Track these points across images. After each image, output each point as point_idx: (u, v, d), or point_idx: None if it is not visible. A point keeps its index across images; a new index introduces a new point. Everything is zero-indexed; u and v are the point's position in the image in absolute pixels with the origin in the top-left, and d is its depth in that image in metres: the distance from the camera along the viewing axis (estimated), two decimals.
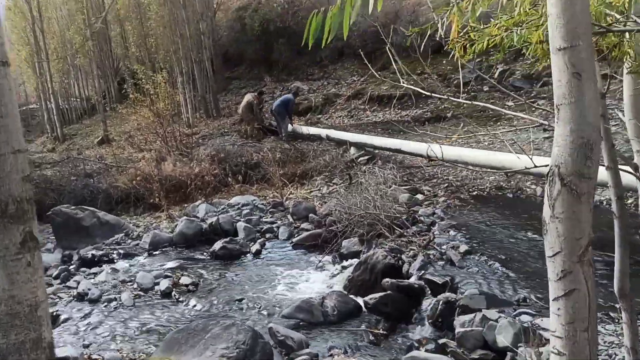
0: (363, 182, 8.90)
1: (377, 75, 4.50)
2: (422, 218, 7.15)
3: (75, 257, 8.82)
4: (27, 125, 30.19)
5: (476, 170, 8.48)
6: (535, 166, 2.53)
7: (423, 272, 5.56)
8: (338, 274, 6.77)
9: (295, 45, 23.23)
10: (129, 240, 9.07)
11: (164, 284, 6.76)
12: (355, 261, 6.70)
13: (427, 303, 5.20)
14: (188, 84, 21.14)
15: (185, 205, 11.42)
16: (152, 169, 11.02)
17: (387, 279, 5.56)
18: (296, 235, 8.31)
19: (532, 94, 12.75)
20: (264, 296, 6.44)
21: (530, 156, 2.79)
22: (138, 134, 18.32)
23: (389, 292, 5.43)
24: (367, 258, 6.22)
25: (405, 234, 6.80)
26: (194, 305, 6.32)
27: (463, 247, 5.87)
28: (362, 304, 5.72)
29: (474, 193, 8.09)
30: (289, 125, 14.52)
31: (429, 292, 5.31)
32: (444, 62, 16.89)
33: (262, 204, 9.50)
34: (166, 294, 6.62)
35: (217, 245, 7.81)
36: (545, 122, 2.67)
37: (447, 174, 9.08)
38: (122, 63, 31.88)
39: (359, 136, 10.89)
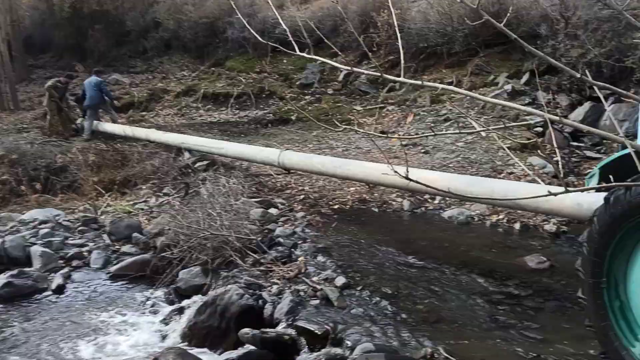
0: (203, 193, 7.33)
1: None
2: (280, 239, 5.80)
3: None
4: None
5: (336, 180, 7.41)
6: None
7: (294, 316, 4.21)
8: (174, 317, 5.12)
9: (114, 33, 20.56)
10: None
11: None
12: (198, 299, 5.13)
13: None
14: None
15: None
16: None
17: (246, 330, 4.10)
18: (115, 262, 6.43)
19: (379, 99, 12.19)
20: (67, 358, 4.56)
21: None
22: None
23: (250, 348, 3.99)
24: (215, 298, 4.69)
25: (262, 260, 5.39)
26: None
27: (340, 280, 4.64)
28: None
29: (335, 207, 6.98)
30: (116, 118, 12.41)
31: (305, 345, 3.97)
32: (285, 61, 15.87)
33: (69, 220, 7.37)
34: None
35: None
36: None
37: (302, 183, 7.88)
38: None
39: (195, 139, 9.21)
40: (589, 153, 7.56)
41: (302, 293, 4.53)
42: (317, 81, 14.04)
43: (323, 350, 3.81)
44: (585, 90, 8.87)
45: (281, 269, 5.14)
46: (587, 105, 8.41)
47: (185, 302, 5.17)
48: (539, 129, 8.28)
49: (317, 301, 4.39)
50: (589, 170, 7.03)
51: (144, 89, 16.60)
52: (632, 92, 3.50)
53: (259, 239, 5.77)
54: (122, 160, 9.37)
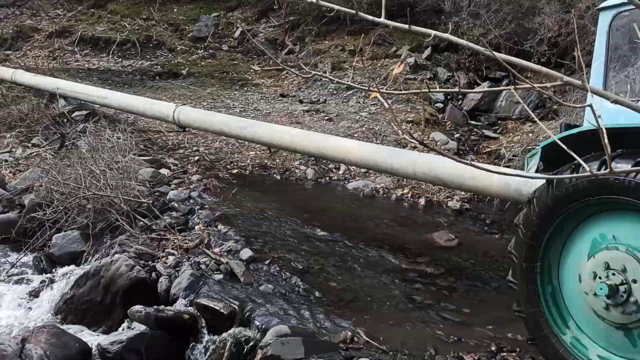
0: (83, 146, 6.48)
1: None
2: (174, 204, 5.20)
3: None
4: None
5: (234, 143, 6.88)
6: None
7: (194, 293, 3.72)
8: (45, 288, 4.40)
9: None
10: None
11: None
12: (76, 269, 4.45)
13: (204, 345, 3.43)
14: None
15: None
16: None
17: (138, 308, 3.55)
18: None
19: (279, 60, 11.63)
20: None
21: None
22: None
23: (141, 328, 3.45)
24: (99, 269, 4.05)
25: (154, 227, 4.79)
26: None
27: (245, 252, 4.20)
28: (92, 346, 3.59)
29: (234, 171, 6.46)
30: None
31: (206, 326, 3.51)
32: (175, 10, 14.70)
33: None
34: None
35: None
36: None
37: (196, 143, 7.23)
38: None
39: (73, 85, 8.09)
40: (487, 132, 7.69)
41: (202, 266, 4.03)
42: (210, 35, 13.14)
43: (228, 332, 3.39)
44: (482, 70, 9.05)
45: (177, 238, 4.59)
46: (485, 85, 8.57)
47: (60, 272, 4.45)
48: (440, 105, 8.31)
49: (221, 276, 3.93)
50: (490, 149, 7.17)
51: (10, 25, 14.60)
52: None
53: (149, 202, 5.13)
54: None
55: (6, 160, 6.74)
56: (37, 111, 7.76)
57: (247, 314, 3.48)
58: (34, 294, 4.35)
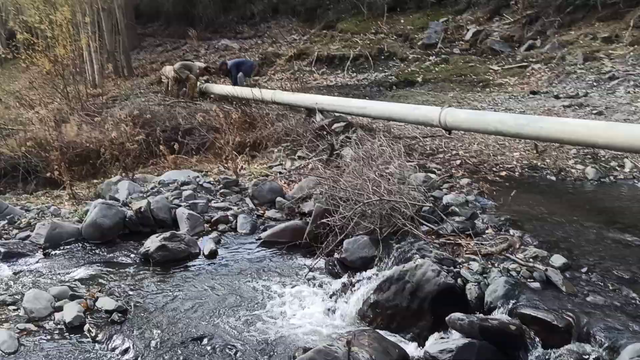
0: (346, 156, 6.72)
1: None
2: (455, 208, 5.03)
3: None
4: None
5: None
6: None
7: (514, 302, 3.46)
8: (342, 291, 4.54)
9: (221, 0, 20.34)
10: (14, 231, 6.32)
11: (71, 309, 4.22)
12: (372, 274, 4.51)
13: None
14: (93, 37, 17.62)
15: (95, 181, 8.69)
16: (49, 133, 8.12)
17: (458, 315, 3.40)
18: (262, 227, 5.98)
19: (517, 58, 10.99)
20: (234, 331, 4.09)
21: None
22: (31, 93, 14.91)
23: (469, 339, 3.29)
24: (403, 274, 4.02)
25: (441, 231, 4.68)
26: (123, 350, 3.86)
27: (558, 259, 3.82)
28: (410, 352, 3.55)
29: (502, 174, 6.11)
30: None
31: (535, 339, 3.22)
32: (402, 20, 14.89)
33: (209, 182, 7.00)
34: (75, 328, 4.10)
35: (152, 243, 5.28)
36: None
37: (454, 147, 7.05)
38: (11, 14, 27.23)
39: (330, 99, 8.55)
40: None
41: (513, 273, 3.76)
42: (440, 41, 12.99)
43: (565, 348, 3.05)
44: None
45: (469, 243, 4.40)
46: None
47: (357, 276, 4.56)
48: None
49: (537, 284, 3.60)
50: None
51: (255, 54, 16.25)
52: None
53: (429, 206, 5.05)
54: (251, 122, 8.92)
55: (280, 172, 7.30)
56: (300, 126, 8.32)
57: (585, 327, 3.10)
58: (334, 298, 4.51)
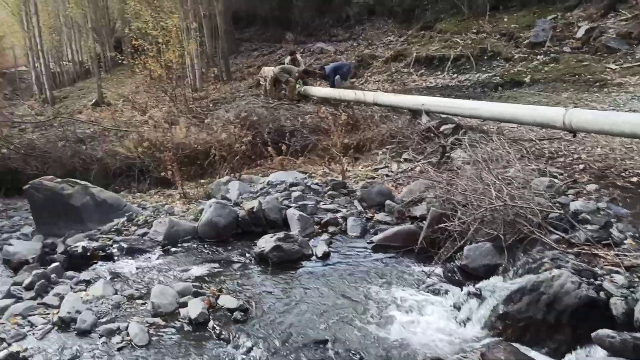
0: (457, 158, 6.48)
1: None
2: (586, 216, 4.68)
3: (60, 248, 6.46)
4: (14, 89, 27.40)
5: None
6: None
7: None
8: (466, 300, 4.33)
9: (317, 2, 20.51)
10: (133, 228, 6.64)
11: (195, 306, 4.32)
12: (499, 283, 4.28)
13: None
14: (195, 42, 18.35)
15: (202, 181, 8.96)
16: (163, 134, 8.48)
17: (609, 332, 3.13)
18: (372, 230, 5.88)
19: (637, 56, 10.22)
20: (356, 336, 4.01)
21: None
22: (138, 97, 15.73)
23: (620, 358, 3.00)
24: (537, 284, 3.78)
25: (573, 240, 4.36)
26: (247, 349, 3.88)
27: None
28: None
29: (633, 179, 5.63)
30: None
31: None
32: (506, 19, 14.32)
33: (316, 183, 7.00)
34: (199, 325, 4.19)
35: (267, 243, 5.32)
36: None
37: (575, 150, 6.61)
38: (119, 23, 29.03)
39: (437, 100, 8.31)
40: None
41: None
42: (549, 39, 12.33)
43: None
44: None
45: (607, 254, 4.06)
46: None
47: (481, 285, 4.34)
48: None
49: None
50: None
51: (351, 56, 16.23)
52: None
53: (556, 213, 4.72)
54: (354, 124, 8.86)
55: (387, 175, 7.17)
56: (405, 128, 8.16)
57: None
58: (458, 306, 4.32)
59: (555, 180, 5.64)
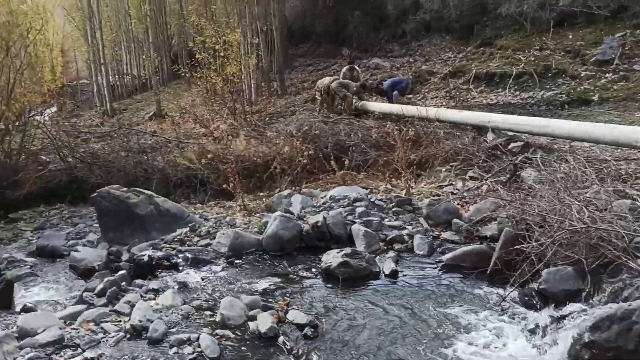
0: (531, 178, 6.26)
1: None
2: None
3: (125, 256, 6.57)
4: (76, 101, 28.57)
5: None
6: None
7: None
8: (547, 327, 4.12)
9: (373, 18, 20.53)
10: (196, 239, 6.68)
11: (265, 320, 4.26)
12: (578, 309, 4.05)
13: None
14: (254, 57, 18.57)
15: (261, 194, 8.99)
16: (224, 147, 8.58)
17: None
18: (440, 249, 5.72)
19: None
20: (431, 358, 3.86)
21: None
22: (195, 110, 16.04)
23: None
24: (628, 313, 3.54)
25: None
26: None
27: None
28: None
29: None
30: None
31: None
32: (570, 36, 13.92)
33: (380, 199, 6.90)
34: (269, 339, 4.13)
35: (334, 259, 5.25)
36: None
37: None
38: (176, 38, 29.90)
39: (505, 117, 8.09)
40: None
41: None
42: (617, 57, 11.90)
43: None
44: None
45: None
46: None
47: (564, 311, 4.12)
48: None
49: None
50: None
51: (408, 72, 16.12)
52: None
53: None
54: (416, 140, 8.73)
55: (453, 193, 7.00)
56: (470, 145, 7.97)
57: None
58: (538, 332, 4.11)
59: (638, 203, 5.35)
